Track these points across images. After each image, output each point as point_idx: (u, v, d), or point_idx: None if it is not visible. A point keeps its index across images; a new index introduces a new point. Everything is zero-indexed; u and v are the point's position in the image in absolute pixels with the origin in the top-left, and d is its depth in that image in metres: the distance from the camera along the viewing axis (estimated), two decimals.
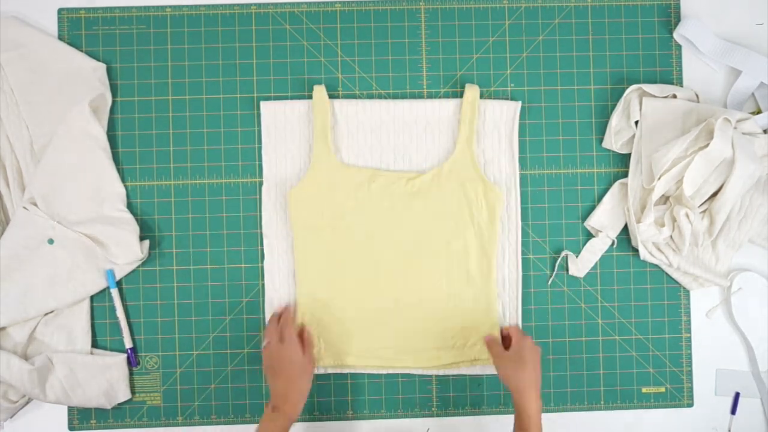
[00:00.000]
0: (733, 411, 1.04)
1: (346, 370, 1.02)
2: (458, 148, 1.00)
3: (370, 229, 1.00)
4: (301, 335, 0.97)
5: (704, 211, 1.00)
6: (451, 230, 1.01)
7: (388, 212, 1.00)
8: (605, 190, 1.03)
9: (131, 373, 1.01)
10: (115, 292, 0.99)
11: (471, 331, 1.01)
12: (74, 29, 1.02)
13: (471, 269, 1.01)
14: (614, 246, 1.03)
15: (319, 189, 1.00)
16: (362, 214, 1.00)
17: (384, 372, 1.02)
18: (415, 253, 1.01)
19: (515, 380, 0.92)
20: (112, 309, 1.00)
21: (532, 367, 0.93)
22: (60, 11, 1.02)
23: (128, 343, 1.00)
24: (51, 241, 0.97)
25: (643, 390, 1.04)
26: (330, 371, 1.02)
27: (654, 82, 1.04)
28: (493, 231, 1.01)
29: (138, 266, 1.00)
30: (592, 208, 1.03)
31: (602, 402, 1.03)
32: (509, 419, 0.96)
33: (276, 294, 1.01)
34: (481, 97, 1.02)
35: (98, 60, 1.01)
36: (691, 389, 1.04)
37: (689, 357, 1.04)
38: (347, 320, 1.01)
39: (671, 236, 1.00)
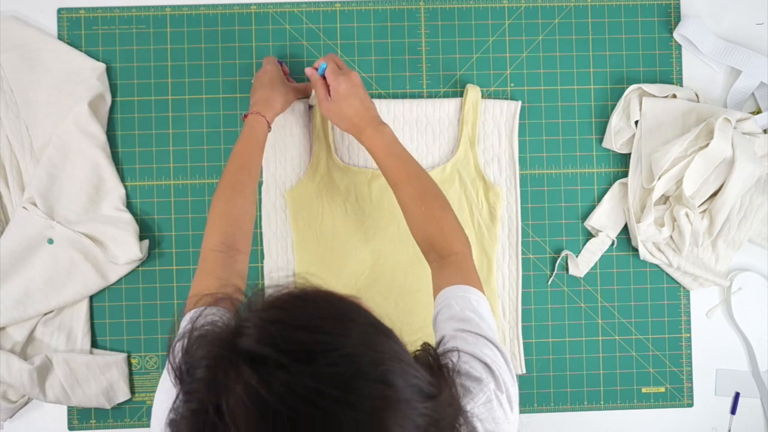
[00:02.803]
0: (733, 411, 1.04)
1: None
2: (461, 150, 1.00)
3: (370, 230, 1.00)
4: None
5: (704, 211, 0.99)
6: None
7: (387, 212, 1.00)
8: (605, 190, 1.03)
9: (131, 373, 1.01)
10: None
11: None
12: (74, 29, 1.02)
13: None
14: (614, 246, 1.03)
15: (318, 189, 1.00)
16: (362, 214, 1.00)
17: None
18: (415, 253, 1.00)
19: (346, 120, 0.88)
20: (112, 309, 1.00)
21: (357, 100, 0.87)
22: (60, 11, 1.01)
23: None
24: (51, 241, 0.97)
25: (643, 390, 1.04)
26: None
27: (654, 82, 1.04)
28: (494, 231, 1.01)
29: (138, 266, 1.00)
30: (592, 208, 1.03)
31: (602, 402, 1.03)
32: None
33: None
34: (482, 97, 1.02)
35: (98, 60, 1.01)
36: (691, 389, 1.04)
37: (689, 357, 1.04)
38: None
39: (671, 236, 1.00)
